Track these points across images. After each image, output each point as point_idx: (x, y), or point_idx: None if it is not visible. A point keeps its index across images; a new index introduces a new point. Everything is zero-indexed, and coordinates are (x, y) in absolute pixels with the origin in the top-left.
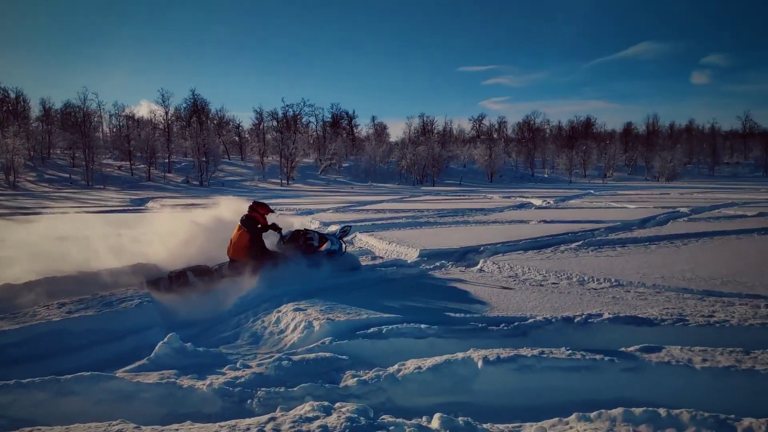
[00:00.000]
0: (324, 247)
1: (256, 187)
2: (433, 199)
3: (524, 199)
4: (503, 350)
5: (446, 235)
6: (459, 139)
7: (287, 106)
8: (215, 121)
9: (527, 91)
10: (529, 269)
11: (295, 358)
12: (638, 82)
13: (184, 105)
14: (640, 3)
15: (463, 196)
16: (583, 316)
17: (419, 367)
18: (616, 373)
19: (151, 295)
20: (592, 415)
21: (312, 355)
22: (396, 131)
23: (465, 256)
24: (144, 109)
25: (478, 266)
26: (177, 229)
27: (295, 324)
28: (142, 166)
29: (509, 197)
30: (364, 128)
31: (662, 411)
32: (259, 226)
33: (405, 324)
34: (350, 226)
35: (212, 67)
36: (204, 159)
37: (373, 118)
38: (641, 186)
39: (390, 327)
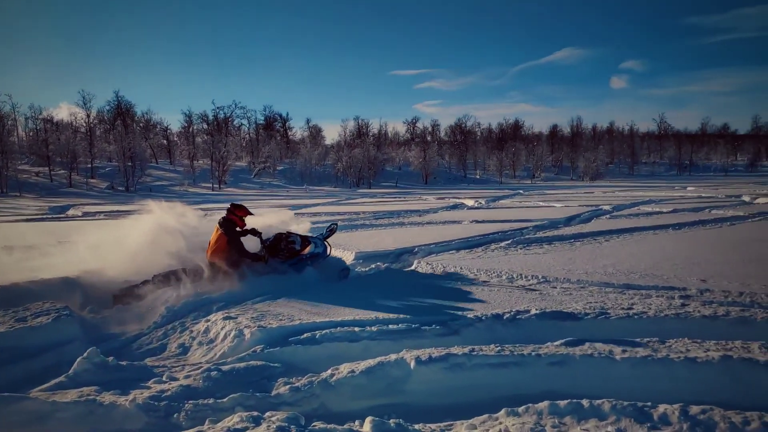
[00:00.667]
0: (307, 250)
1: (186, 191)
2: (369, 201)
3: (457, 200)
4: (435, 350)
5: (382, 237)
6: (394, 142)
7: (218, 108)
8: (141, 124)
9: (458, 94)
10: (461, 268)
11: (225, 368)
12: (562, 86)
13: (108, 107)
14: (562, 10)
15: (399, 198)
16: (512, 313)
17: (352, 371)
18: (542, 368)
19: (69, 308)
20: (520, 409)
21: (242, 364)
22: (331, 134)
23: (400, 257)
24: (64, 111)
25: (413, 267)
26: (109, 238)
27: (225, 333)
28: (63, 171)
29: (443, 198)
30: (298, 131)
31: (585, 402)
32: (237, 229)
33: (339, 328)
34: (336, 224)
35: (137, 67)
36: (130, 163)
37: (308, 121)
38: (567, 185)
39: (323, 332)
